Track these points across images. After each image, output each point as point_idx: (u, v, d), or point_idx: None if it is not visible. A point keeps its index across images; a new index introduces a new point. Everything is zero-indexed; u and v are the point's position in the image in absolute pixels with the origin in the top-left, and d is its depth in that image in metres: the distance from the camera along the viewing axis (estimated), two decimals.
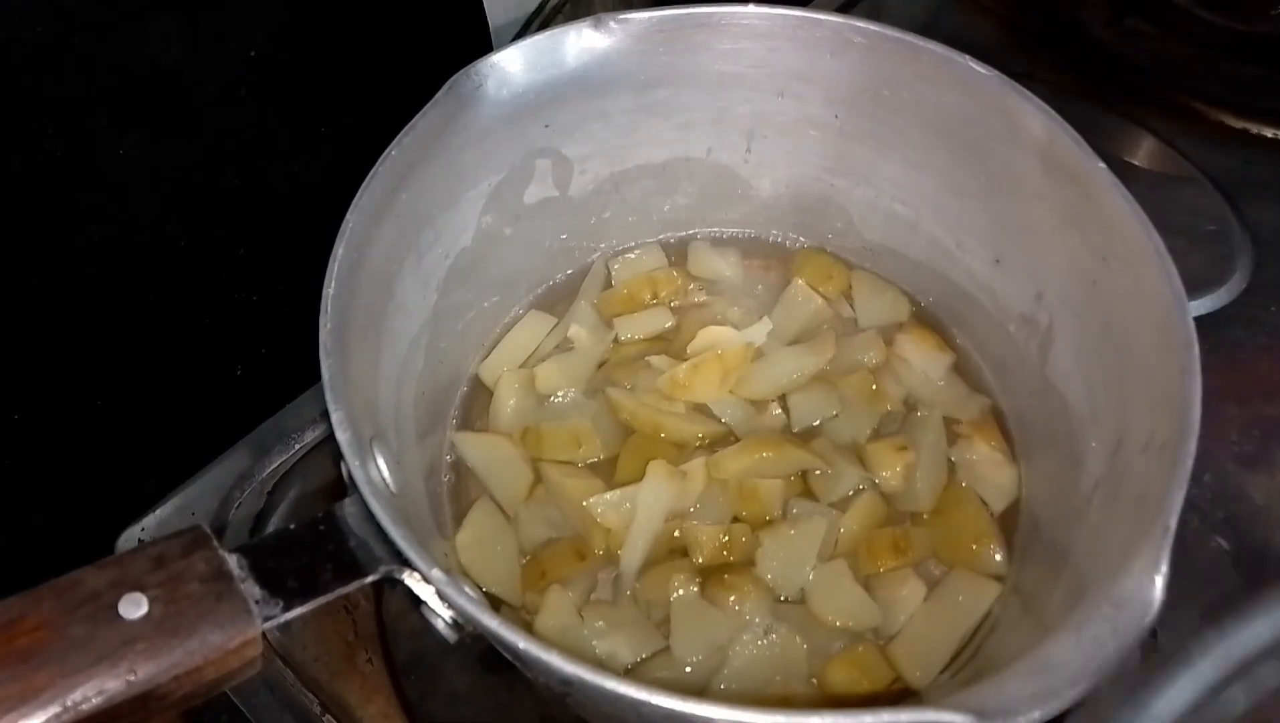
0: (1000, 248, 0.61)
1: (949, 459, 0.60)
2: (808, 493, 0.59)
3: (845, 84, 0.61)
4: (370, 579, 0.45)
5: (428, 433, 0.59)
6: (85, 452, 0.65)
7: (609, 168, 0.65)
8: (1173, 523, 0.43)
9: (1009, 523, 0.59)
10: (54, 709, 0.38)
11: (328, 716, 0.57)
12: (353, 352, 0.50)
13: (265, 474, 0.62)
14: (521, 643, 0.41)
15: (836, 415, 0.61)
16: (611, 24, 0.58)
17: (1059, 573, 0.52)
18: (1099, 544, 0.50)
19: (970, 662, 0.53)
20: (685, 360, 0.62)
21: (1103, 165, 0.53)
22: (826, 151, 0.64)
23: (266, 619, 0.42)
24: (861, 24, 0.59)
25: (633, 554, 0.56)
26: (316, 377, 0.47)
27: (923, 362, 0.63)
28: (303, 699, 0.57)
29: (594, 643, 0.53)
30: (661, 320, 0.66)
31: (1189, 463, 0.45)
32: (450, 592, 0.43)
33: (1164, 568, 0.42)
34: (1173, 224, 0.53)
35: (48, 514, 0.64)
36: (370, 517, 0.44)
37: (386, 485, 0.49)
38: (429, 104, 0.55)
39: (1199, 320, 0.49)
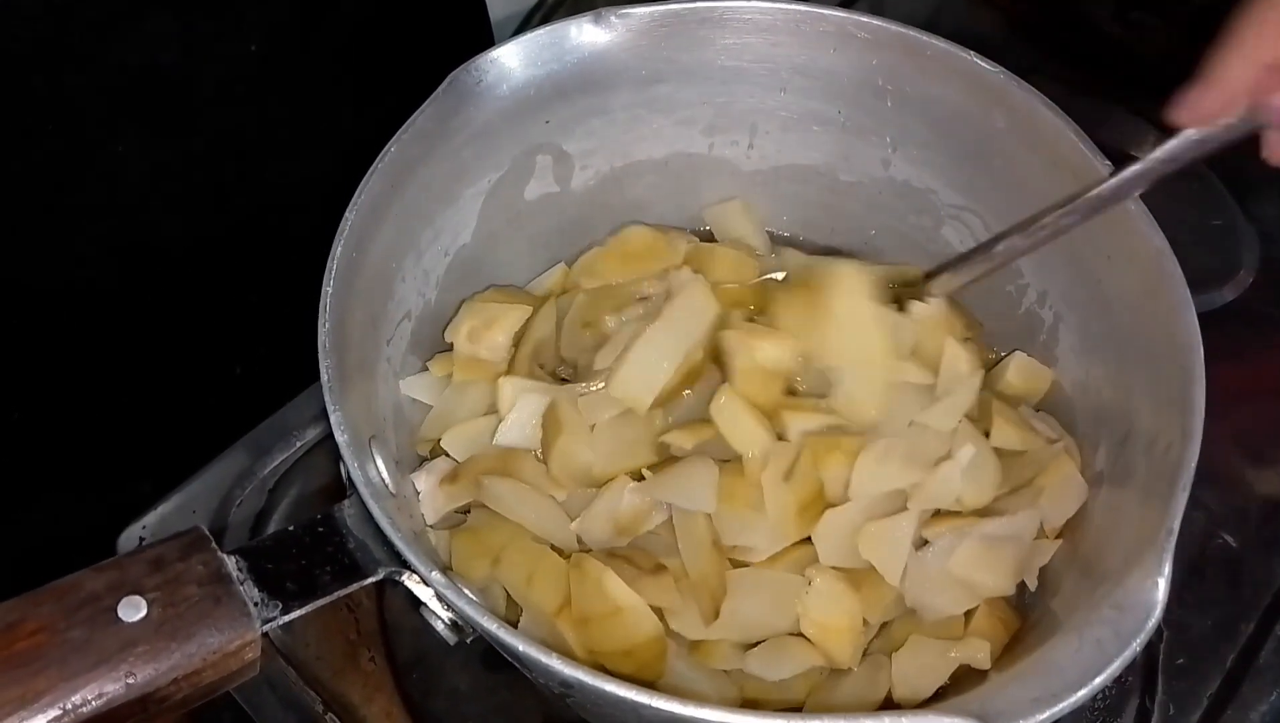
0: None
1: None
2: None
3: (848, 79, 0.61)
4: (370, 581, 0.45)
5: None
6: (85, 452, 0.65)
7: (610, 164, 0.64)
8: (1176, 526, 0.43)
9: None
10: (53, 713, 0.38)
11: (330, 714, 0.57)
12: (352, 351, 0.50)
13: (266, 472, 0.62)
14: (521, 646, 0.41)
15: None
16: (612, 19, 0.58)
17: (1063, 574, 0.52)
18: (1102, 546, 0.49)
19: None
20: None
21: (1108, 163, 0.53)
22: (829, 147, 0.64)
23: (265, 622, 0.42)
24: (864, 19, 0.58)
25: None
26: (316, 375, 0.46)
27: None
28: (305, 698, 0.57)
29: None
30: None
31: (1193, 465, 0.44)
32: (449, 594, 0.43)
33: (1167, 571, 0.42)
34: (1179, 220, 0.53)
35: (47, 514, 0.64)
36: (369, 518, 0.44)
37: (385, 486, 0.49)
38: (428, 100, 0.54)
39: (1206, 316, 0.49)
